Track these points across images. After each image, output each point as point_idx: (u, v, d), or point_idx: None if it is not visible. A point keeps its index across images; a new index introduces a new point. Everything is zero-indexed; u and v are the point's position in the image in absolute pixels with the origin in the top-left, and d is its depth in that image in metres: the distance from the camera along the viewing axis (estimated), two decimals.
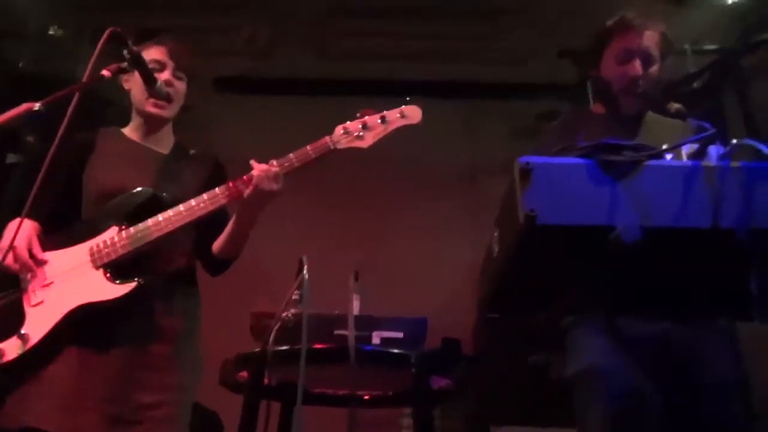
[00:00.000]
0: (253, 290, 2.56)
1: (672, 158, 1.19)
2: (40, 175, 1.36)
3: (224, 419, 3.16)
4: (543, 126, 1.95)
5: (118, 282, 1.66)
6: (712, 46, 3.35)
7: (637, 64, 1.74)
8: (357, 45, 4.06)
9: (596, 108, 1.92)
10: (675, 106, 1.59)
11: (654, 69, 1.76)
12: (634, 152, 1.11)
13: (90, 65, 1.47)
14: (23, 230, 1.70)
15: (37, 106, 1.29)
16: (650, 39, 1.75)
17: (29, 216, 1.73)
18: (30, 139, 1.28)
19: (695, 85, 1.53)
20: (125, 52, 1.61)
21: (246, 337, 1.86)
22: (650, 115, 1.84)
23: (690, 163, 1.12)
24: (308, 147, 1.76)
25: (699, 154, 1.14)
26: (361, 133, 1.78)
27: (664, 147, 1.14)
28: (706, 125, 1.18)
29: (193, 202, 1.72)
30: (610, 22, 1.79)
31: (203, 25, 3.82)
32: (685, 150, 1.18)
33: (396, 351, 1.65)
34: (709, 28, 3.40)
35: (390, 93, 3.85)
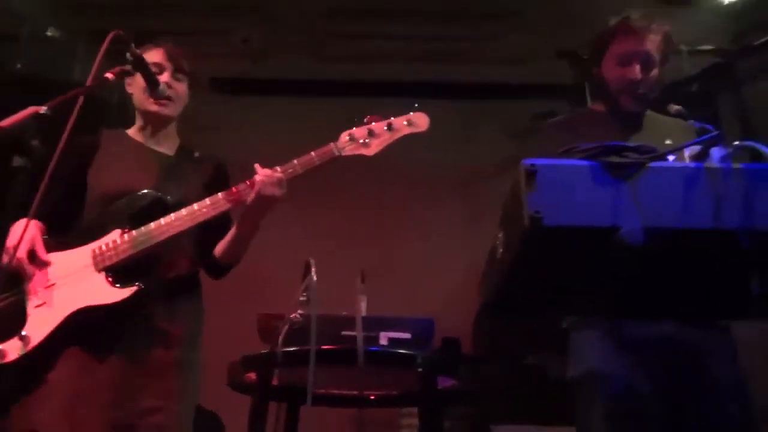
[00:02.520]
0: (258, 293, 2.57)
1: (674, 160, 1.20)
2: (45, 178, 1.36)
3: (225, 420, 3.17)
4: (542, 124, 1.95)
5: (119, 286, 1.66)
6: (708, 47, 3.37)
7: (637, 68, 1.74)
8: (354, 46, 4.07)
9: (596, 106, 1.93)
10: (675, 107, 1.61)
11: (654, 73, 1.77)
12: (637, 154, 1.12)
13: (94, 68, 1.48)
14: (26, 231, 1.70)
15: (42, 109, 1.30)
16: (652, 42, 1.75)
17: (33, 217, 1.73)
18: (35, 142, 1.28)
19: (693, 88, 1.54)
20: (128, 54, 1.62)
21: (248, 340, 1.86)
22: (650, 114, 1.85)
23: (693, 164, 1.13)
24: (313, 153, 1.76)
25: (701, 156, 1.15)
26: (366, 140, 1.78)
27: (668, 148, 1.15)
28: (709, 127, 1.19)
29: (195, 206, 1.72)
30: (613, 22, 1.79)
31: (199, 27, 3.82)
32: (687, 152, 1.19)
33: (404, 351, 1.66)
34: (705, 29, 3.43)
35: (387, 94, 3.88)
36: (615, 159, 1.11)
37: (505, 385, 3.13)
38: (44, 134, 1.36)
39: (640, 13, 1.77)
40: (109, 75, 1.55)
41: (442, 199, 4.04)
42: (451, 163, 4.11)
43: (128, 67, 1.62)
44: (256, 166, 1.72)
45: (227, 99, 4.19)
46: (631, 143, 1.16)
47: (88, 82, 1.48)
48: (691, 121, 1.41)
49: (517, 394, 3.10)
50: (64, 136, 1.36)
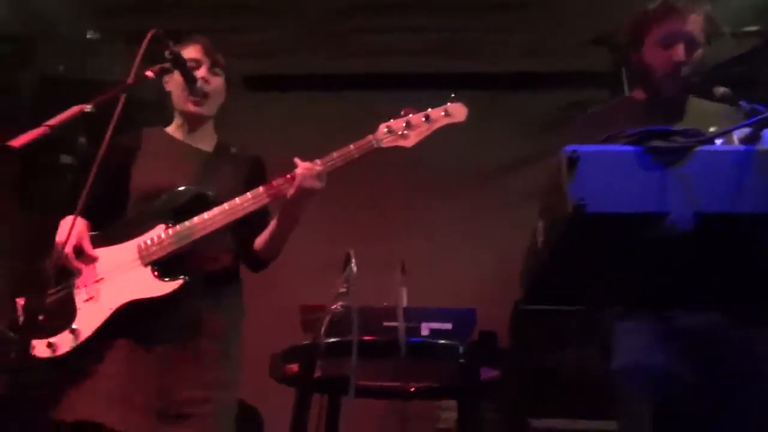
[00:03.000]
0: (300, 285, 2.59)
1: (723, 143, 1.16)
2: (91, 176, 1.39)
3: (265, 415, 3.20)
4: (576, 118, 1.91)
5: (165, 279, 1.69)
6: (752, 28, 3.25)
7: (681, 48, 1.68)
8: (380, 40, 4.05)
9: (637, 94, 1.88)
10: (721, 89, 1.55)
11: (698, 53, 1.71)
12: (683, 138, 1.09)
13: (134, 66, 1.51)
14: (74, 227, 1.74)
15: (88, 107, 1.33)
16: (694, 23, 1.70)
17: (80, 214, 1.78)
18: (82, 140, 1.32)
19: (736, 69, 1.48)
20: (167, 53, 1.65)
21: (287, 332, 1.87)
22: (693, 100, 1.79)
23: (743, 147, 1.09)
24: (351, 145, 1.76)
25: (752, 138, 1.11)
26: (405, 132, 1.77)
27: (715, 131, 1.11)
28: (761, 108, 1.15)
29: (237, 200, 1.74)
30: (652, 5, 1.74)
31: (229, 26, 3.86)
32: (737, 135, 1.15)
33: (445, 342, 1.65)
34: (748, 10, 3.31)
35: (414, 86, 3.86)
36: (661, 144, 1.08)
37: (544, 378, 3.09)
38: (89, 133, 1.40)
39: None
40: (149, 73, 1.58)
41: (475, 191, 4.01)
42: (480, 156, 4.07)
43: (167, 65, 1.64)
44: (296, 159, 1.73)
45: (258, 96, 4.23)
46: (677, 127, 1.12)
47: (129, 80, 1.51)
48: (742, 102, 1.36)
49: (555, 387, 3.06)
50: (108, 133, 1.39)
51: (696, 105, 1.78)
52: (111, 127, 1.41)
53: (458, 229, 3.95)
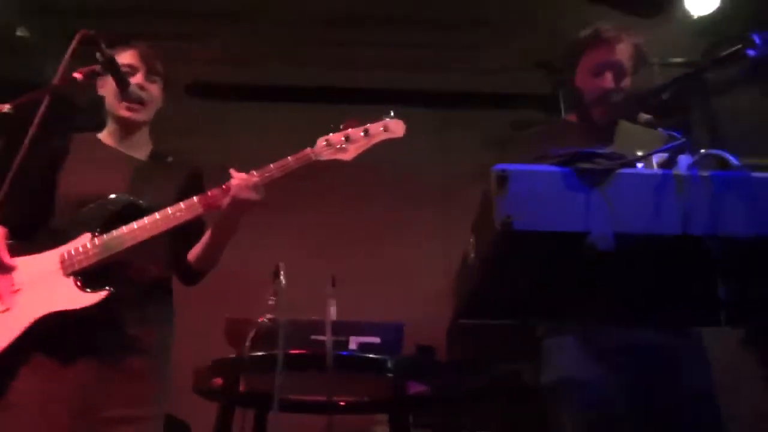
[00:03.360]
0: (228, 296, 2.54)
1: (643, 167, 1.21)
2: (8, 180, 1.32)
3: (195, 429, 3.11)
4: (517, 135, 1.98)
5: (88, 290, 1.62)
6: (679, 59, 3.45)
7: (609, 76, 1.77)
8: (334, 53, 4.07)
9: (571, 117, 1.96)
10: (644, 116, 1.63)
11: (626, 81, 1.80)
12: (607, 160, 1.13)
13: (61, 67, 1.45)
14: None
15: (6, 107, 1.26)
16: (623, 52, 1.78)
17: None
18: None
19: (663, 96, 1.57)
20: (98, 55, 1.60)
21: (218, 345, 1.83)
22: (623, 124, 1.88)
23: (661, 171, 1.15)
24: (289, 158, 1.75)
25: (669, 163, 1.17)
26: (343, 146, 1.78)
27: (637, 155, 1.16)
28: (676, 134, 1.21)
29: (169, 210, 1.70)
30: (584, 34, 1.82)
31: (178, 32, 3.79)
32: (656, 159, 1.21)
33: (373, 356, 1.64)
34: (676, 43, 3.51)
35: (366, 101, 3.89)
36: (586, 165, 1.12)
37: (479, 393, 3.13)
38: (10, 136, 1.33)
39: (610, 24, 1.80)
40: (77, 75, 1.52)
41: (419, 207, 4.06)
42: (428, 171, 4.14)
43: (98, 68, 1.59)
44: (232, 170, 1.71)
45: (204, 104, 4.16)
46: (601, 150, 1.17)
47: (55, 82, 1.45)
48: (660, 129, 1.44)
49: (490, 402, 3.11)
50: (28, 135, 1.33)
51: (625, 128, 1.87)
52: (31, 129, 1.34)
53: (399, 242, 3.97)
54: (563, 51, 1.93)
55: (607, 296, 1.31)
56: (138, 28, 3.50)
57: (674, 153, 1.16)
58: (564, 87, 1.97)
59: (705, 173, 1.12)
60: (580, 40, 1.83)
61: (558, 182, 1.11)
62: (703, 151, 1.13)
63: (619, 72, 1.78)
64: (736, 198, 1.09)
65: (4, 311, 1.64)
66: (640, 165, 1.20)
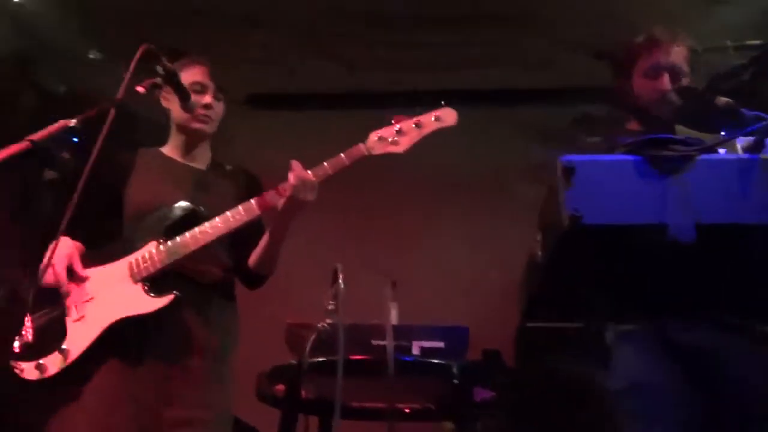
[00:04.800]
0: (288, 301, 2.55)
1: (726, 152, 1.12)
2: (77, 193, 1.36)
3: None
4: (582, 139, 1.92)
5: (155, 295, 1.66)
6: (756, 42, 3.22)
7: (666, 78, 1.74)
8: (377, 56, 4.04)
9: (631, 126, 1.90)
10: (723, 100, 1.52)
11: (684, 82, 1.75)
12: (684, 146, 1.05)
13: (124, 82, 1.48)
14: (64, 248, 1.73)
15: (72, 122, 1.31)
16: (678, 54, 1.76)
17: (71, 235, 1.76)
18: (66, 155, 1.29)
19: (743, 77, 1.48)
20: (158, 68, 1.62)
21: (282, 350, 1.83)
22: (681, 129, 1.80)
23: (746, 155, 1.05)
24: (342, 155, 1.74)
25: (755, 147, 1.07)
26: (395, 138, 1.75)
27: (719, 139, 1.07)
28: (764, 115, 1.11)
29: (228, 213, 1.72)
30: (638, 40, 1.81)
31: (229, 42, 3.86)
32: (740, 143, 1.11)
33: (437, 361, 1.59)
34: (752, 23, 3.29)
35: (416, 104, 3.83)
36: (660, 152, 1.04)
37: (546, 398, 3.02)
38: (77, 149, 1.37)
39: (664, 27, 1.80)
40: (139, 88, 1.55)
41: (472, 206, 3.97)
42: (484, 172, 4.04)
43: (158, 80, 1.62)
44: (293, 162, 1.70)
45: (259, 114, 4.22)
46: (677, 136, 1.09)
47: (119, 95, 1.48)
48: (744, 110, 1.33)
49: (558, 407, 2.98)
50: (96, 149, 1.37)
51: (684, 133, 1.78)
52: (98, 143, 1.38)
53: (458, 243, 3.89)
54: (616, 59, 1.90)
55: (683, 294, 1.21)
56: (193, 40, 3.58)
57: (761, 136, 1.06)
58: (621, 95, 1.91)
59: None
60: (634, 44, 1.81)
61: (630, 172, 1.05)
62: None
63: (675, 74, 1.75)
64: None
65: (78, 319, 1.69)
66: (722, 150, 1.10)
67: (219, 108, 1.91)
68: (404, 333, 1.62)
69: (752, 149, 1.07)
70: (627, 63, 1.83)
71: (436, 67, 4.01)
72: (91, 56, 3.69)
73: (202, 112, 1.84)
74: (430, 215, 3.94)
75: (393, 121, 1.78)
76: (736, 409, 1.49)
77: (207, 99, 1.85)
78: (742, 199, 1.01)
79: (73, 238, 1.79)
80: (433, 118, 1.78)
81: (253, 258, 1.84)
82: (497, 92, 4.16)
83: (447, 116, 1.79)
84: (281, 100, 4.33)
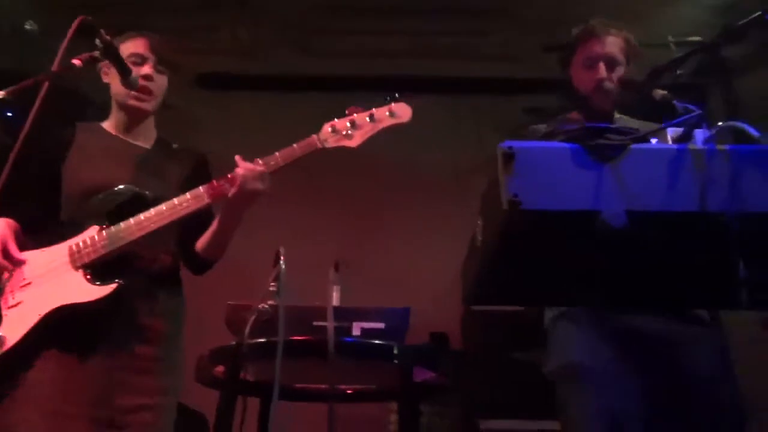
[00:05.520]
0: (230, 282, 2.52)
1: (657, 142, 1.16)
2: (7, 169, 1.31)
3: (211, 419, 3.11)
4: (528, 126, 1.96)
5: (98, 283, 1.62)
6: (696, 38, 3.35)
7: (602, 67, 1.81)
8: (341, 42, 4.04)
9: (573, 115, 1.95)
10: (660, 92, 1.57)
11: (619, 72, 1.83)
12: (619, 135, 1.08)
13: (59, 54, 1.43)
14: None
15: (1, 94, 1.24)
16: (613, 44, 1.84)
17: (4, 213, 1.69)
18: None
19: (679, 71, 1.53)
20: (97, 41, 1.57)
21: (222, 332, 1.81)
22: (621, 117, 1.88)
23: (676, 146, 1.10)
24: (295, 145, 1.72)
25: (685, 138, 1.12)
26: (349, 132, 1.74)
27: (651, 129, 1.11)
28: (692, 107, 1.16)
29: (176, 200, 1.68)
30: (575, 31, 1.89)
31: (186, 24, 3.78)
32: (671, 133, 1.16)
33: (377, 342, 1.61)
34: (692, 20, 3.42)
35: (375, 89, 3.84)
36: (596, 141, 1.07)
37: (493, 380, 3.10)
38: (12, 125, 1.31)
39: (600, 19, 1.87)
40: (76, 61, 1.50)
41: (426, 194, 4.01)
42: (436, 157, 4.08)
43: (97, 54, 1.57)
44: (237, 158, 1.69)
45: (212, 95, 4.14)
46: (612, 125, 1.12)
47: (54, 68, 1.43)
48: (675, 102, 1.39)
49: (504, 389, 3.07)
50: (27, 123, 1.31)
51: (624, 122, 1.86)
52: (32, 115, 1.32)
53: (408, 229, 3.93)
54: (559, 50, 1.96)
55: (618, 278, 1.26)
56: (146, 21, 3.48)
57: (690, 127, 1.11)
58: (564, 86, 1.97)
59: (723, 147, 1.06)
60: (573, 37, 1.89)
61: (567, 159, 1.07)
62: (721, 123, 1.07)
63: (610, 63, 1.83)
64: (757, 172, 1.04)
65: (15, 305, 1.64)
66: (654, 140, 1.15)
67: (160, 81, 1.84)
68: (345, 314, 1.64)
69: (682, 139, 1.12)
70: (567, 54, 1.90)
71: (392, 54, 4.02)
72: (27, 27, 3.52)
73: (141, 83, 1.77)
74: (378, 201, 3.96)
75: (347, 112, 1.77)
76: (676, 392, 1.55)
77: (146, 69, 1.80)
78: (671, 188, 1.05)
79: (5, 216, 1.72)
80: (387, 113, 1.77)
81: (201, 244, 1.82)
82: (453, 81, 4.21)
83: (401, 112, 1.78)
84: (240, 81, 4.25)
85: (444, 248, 3.74)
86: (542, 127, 1.93)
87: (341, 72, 4.09)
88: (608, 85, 1.80)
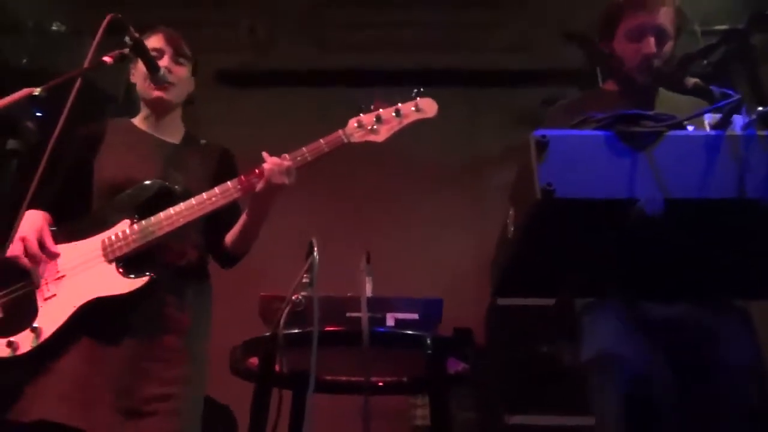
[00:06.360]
0: (263, 274, 2.54)
1: (694, 128, 1.14)
2: (42, 164, 1.33)
3: (236, 412, 3.14)
4: (548, 109, 1.91)
5: (131, 276, 1.64)
6: (723, 26, 3.29)
7: (652, 41, 1.68)
8: (357, 35, 4.03)
9: (608, 86, 1.88)
10: (692, 80, 1.54)
11: (668, 46, 1.71)
12: (654, 122, 1.06)
13: (90, 51, 1.45)
14: (35, 222, 1.70)
15: (37, 91, 1.27)
16: (665, 15, 1.70)
17: (38, 207, 1.72)
18: (30, 124, 1.26)
19: (706, 61, 1.48)
20: (127, 38, 1.60)
21: (256, 324, 1.83)
22: (663, 92, 1.79)
23: (713, 132, 1.08)
24: (321, 140, 1.74)
25: (722, 124, 1.09)
26: (375, 127, 1.76)
27: (688, 116, 1.09)
28: (731, 93, 1.13)
29: (204, 195, 1.71)
30: None
31: (203, 20, 3.81)
32: (708, 120, 1.14)
33: (411, 332, 1.61)
34: (720, 10, 3.35)
35: (392, 82, 3.84)
36: (630, 128, 1.06)
37: (518, 375, 3.08)
38: (41, 119, 1.34)
39: None
40: (107, 59, 1.52)
41: (447, 186, 3.99)
42: (459, 150, 4.06)
43: (126, 51, 1.59)
44: (264, 154, 1.71)
45: (232, 91, 4.16)
46: (647, 111, 1.10)
47: (85, 65, 1.45)
48: (712, 87, 1.35)
49: (532, 384, 3.05)
50: (62, 118, 1.33)
51: (666, 97, 1.78)
52: (65, 113, 1.34)
53: (435, 221, 3.92)
54: (600, 17, 1.83)
55: (653, 267, 1.24)
56: (164, 17, 3.51)
57: (728, 113, 1.09)
58: (600, 55, 1.86)
59: (762, 132, 1.04)
60: (620, 3, 1.74)
61: (601, 147, 1.06)
62: (761, 108, 1.05)
63: (661, 36, 1.69)
64: None
65: (50, 297, 1.66)
66: (690, 127, 1.13)
67: (179, 72, 1.87)
68: (379, 305, 1.64)
69: (719, 126, 1.09)
70: (611, 23, 1.75)
71: (409, 47, 4.01)
72: (54, 28, 3.57)
73: (164, 81, 1.80)
74: (399, 195, 3.95)
75: (372, 107, 1.77)
76: (708, 382, 1.53)
77: (164, 62, 1.82)
78: (707, 175, 1.03)
79: (40, 209, 1.75)
80: (413, 108, 1.78)
81: (230, 238, 1.83)
82: (471, 72, 4.18)
83: (427, 107, 1.79)
84: (254, 77, 4.27)
85: (460, 241, 3.74)
86: (565, 103, 1.87)
87: (357, 65, 4.08)
88: (656, 61, 1.66)
